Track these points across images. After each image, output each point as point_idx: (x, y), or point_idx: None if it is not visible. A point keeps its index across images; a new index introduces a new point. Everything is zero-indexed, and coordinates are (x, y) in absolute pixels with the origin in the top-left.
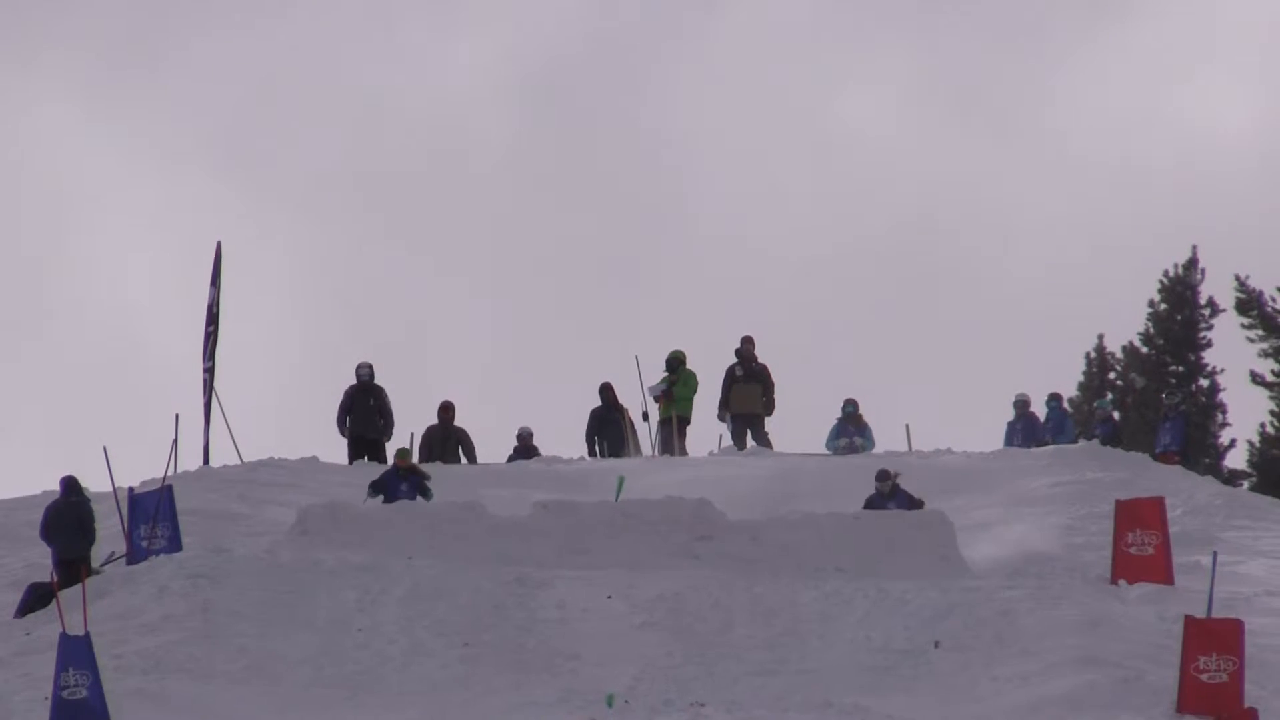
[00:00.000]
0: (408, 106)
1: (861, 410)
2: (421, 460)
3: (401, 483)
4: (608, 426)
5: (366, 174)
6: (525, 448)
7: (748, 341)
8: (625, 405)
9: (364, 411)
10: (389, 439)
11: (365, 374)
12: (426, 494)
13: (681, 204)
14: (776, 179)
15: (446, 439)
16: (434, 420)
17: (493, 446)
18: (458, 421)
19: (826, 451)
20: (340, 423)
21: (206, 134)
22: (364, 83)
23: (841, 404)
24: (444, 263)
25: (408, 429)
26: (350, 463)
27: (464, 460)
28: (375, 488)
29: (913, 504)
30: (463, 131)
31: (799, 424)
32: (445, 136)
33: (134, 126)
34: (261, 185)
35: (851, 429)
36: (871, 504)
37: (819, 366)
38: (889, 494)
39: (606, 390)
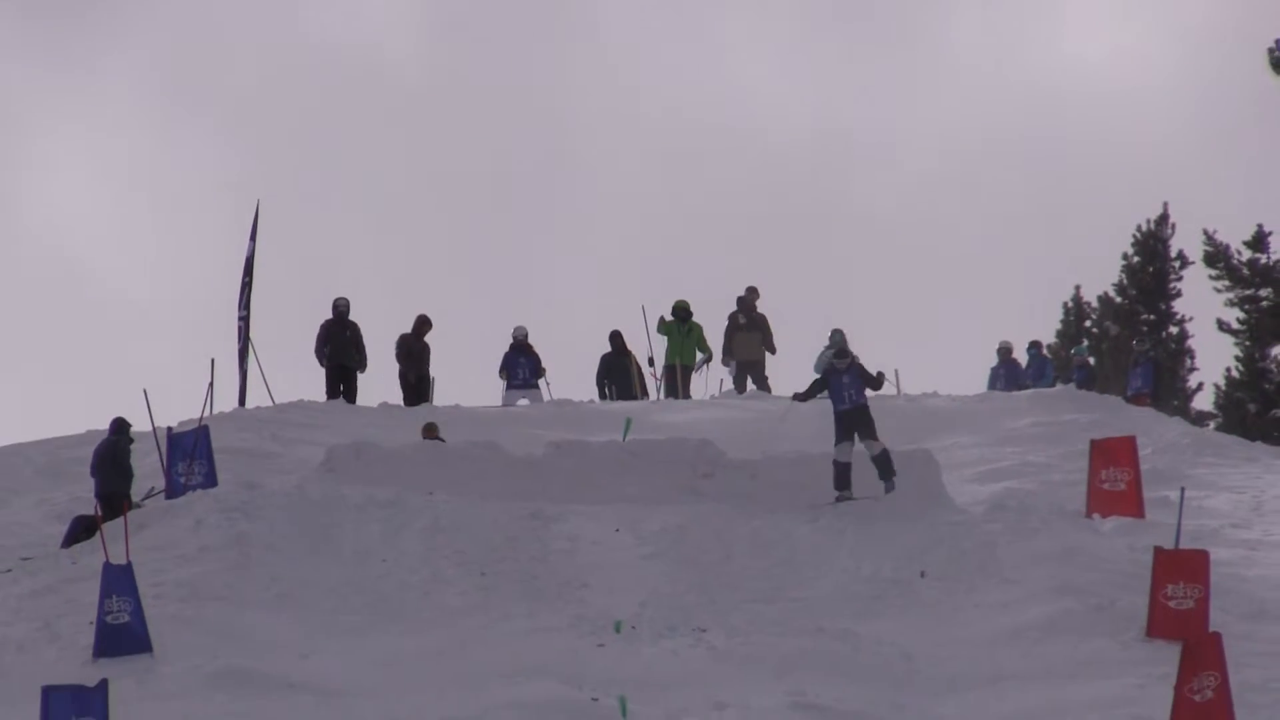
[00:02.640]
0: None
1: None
2: (399, 362)
3: None
4: (616, 371)
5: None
6: (520, 346)
7: (751, 291)
8: (632, 351)
9: (340, 343)
10: (363, 370)
11: (343, 307)
12: None
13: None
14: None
15: (421, 349)
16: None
17: (490, 347)
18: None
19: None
20: (319, 353)
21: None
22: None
23: (830, 333)
24: (424, 210)
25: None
26: (329, 394)
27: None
28: None
29: (866, 377)
30: (379, 69)
31: (797, 370)
32: (362, 76)
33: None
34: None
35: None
36: (832, 371)
37: (813, 318)
38: (845, 369)
39: (616, 337)
